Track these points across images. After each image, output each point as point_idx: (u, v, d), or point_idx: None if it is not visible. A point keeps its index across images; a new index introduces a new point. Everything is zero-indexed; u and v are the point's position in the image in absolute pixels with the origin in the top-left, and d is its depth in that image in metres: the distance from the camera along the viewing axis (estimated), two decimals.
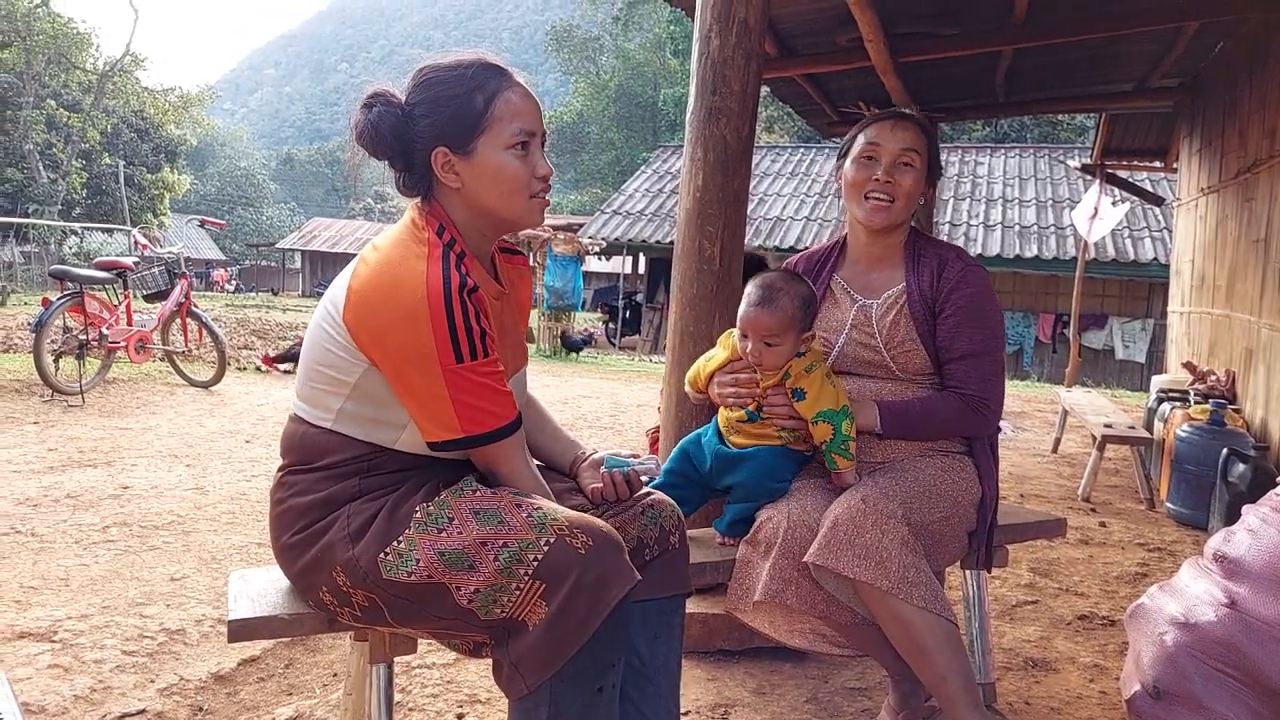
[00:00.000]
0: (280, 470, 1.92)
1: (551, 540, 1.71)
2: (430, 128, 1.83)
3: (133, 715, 2.59)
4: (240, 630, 1.83)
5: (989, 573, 2.68)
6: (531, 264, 16.87)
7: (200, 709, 2.68)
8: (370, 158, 1.90)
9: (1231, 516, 4.18)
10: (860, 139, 2.52)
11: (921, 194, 2.52)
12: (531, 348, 15.60)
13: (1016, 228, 19.23)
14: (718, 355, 2.50)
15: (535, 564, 1.70)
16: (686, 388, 2.62)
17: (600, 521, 1.80)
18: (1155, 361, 17.33)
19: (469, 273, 1.80)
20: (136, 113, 38.16)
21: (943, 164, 2.70)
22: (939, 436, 2.48)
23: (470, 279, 1.77)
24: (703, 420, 2.75)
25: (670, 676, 2.06)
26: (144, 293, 9.03)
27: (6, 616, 3.16)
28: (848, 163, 2.54)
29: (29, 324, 8.73)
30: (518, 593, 1.70)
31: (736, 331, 2.41)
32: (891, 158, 2.46)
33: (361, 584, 1.76)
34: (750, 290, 2.37)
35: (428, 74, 1.87)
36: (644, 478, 2.10)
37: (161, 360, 9.12)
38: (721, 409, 2.49)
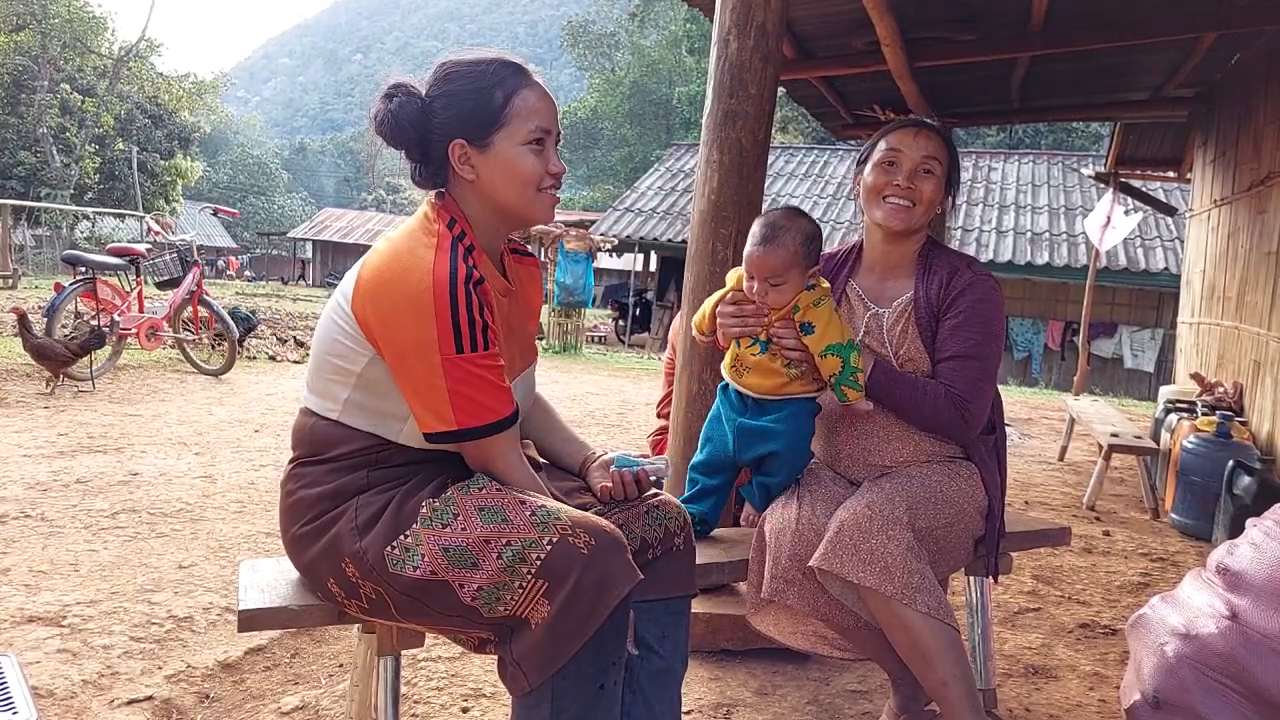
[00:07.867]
0: (290, 462, 1.94)
1: (554, 540, 1.73)
2: (450, 120, 1.87)
3: (140, 701, 2.61)
4: (250, 620, 1.85)
5: (994, 581, 2.69)
6: (543, 260, 16.97)
7: (207, 696, 2.71)
8: (385, 149, 1.93)
9: (1236, 529, 4.18)
10: (881, 145, 2.51)
11: (940, 203, 2.51)
12: (541, 343, 15.64)
13: (1029, 234, 19.18)
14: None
15: (538, 563, 1.72)
16: (693, 331, 2.61)
17: (604, 521, 1.82)
18: (1164, 371, 17.27)
19: (476, 265, 1.83)
20: (151, 98, 38.15)
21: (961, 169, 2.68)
22: (918, 418, 2.43)
23: (477, 271, 1.80)
24: None
25: (675, 676, 2.08)
26: (156, 280, 9.06)
27: (16, 600, 3.19)
28: (867, 168, 2.52)
29: (41, 308, 8.76)
30: (520, 591, 1.72)
31: (743, 272, 2.42)
32: (913, 164, 2.44)
33: (369, 577, 1.78)
34: (754, 230, 2.38)
35: (450, 68, 1.90)
36: (653, 478, 2.12)
37: (172, 348, 9.15)
38: (727, 354, 2.49)
